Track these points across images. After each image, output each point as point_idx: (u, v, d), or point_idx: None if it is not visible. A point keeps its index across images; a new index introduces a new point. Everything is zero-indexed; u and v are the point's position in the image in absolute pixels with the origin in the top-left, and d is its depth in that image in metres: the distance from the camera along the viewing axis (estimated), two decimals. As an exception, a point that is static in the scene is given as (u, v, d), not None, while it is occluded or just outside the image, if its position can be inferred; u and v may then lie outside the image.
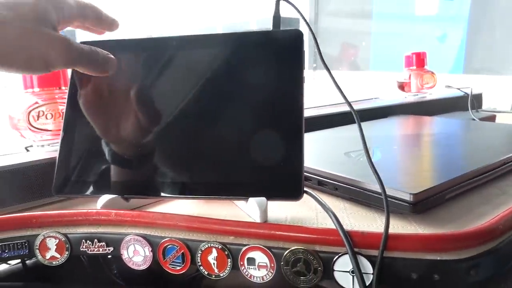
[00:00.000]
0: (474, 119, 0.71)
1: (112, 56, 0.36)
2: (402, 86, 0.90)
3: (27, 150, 0.48)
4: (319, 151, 0.50)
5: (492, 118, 0.77)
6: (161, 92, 0.39)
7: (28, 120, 0.43)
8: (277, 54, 0.37)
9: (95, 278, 0.42)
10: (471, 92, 0.82)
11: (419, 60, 0.88)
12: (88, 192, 0.38)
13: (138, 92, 0.39)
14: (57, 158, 0.39)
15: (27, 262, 0.43)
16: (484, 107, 0.96)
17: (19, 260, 0.43)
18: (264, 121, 0.37)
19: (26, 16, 0.29)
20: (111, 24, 0.38)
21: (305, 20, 0.41)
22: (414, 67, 0.88)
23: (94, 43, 0.37)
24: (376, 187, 0.36)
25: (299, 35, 0.37)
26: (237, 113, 0.37)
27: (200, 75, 0.38)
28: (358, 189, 0.37)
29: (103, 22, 0.37)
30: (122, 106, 0.39)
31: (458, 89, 0.87)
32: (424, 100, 0.86)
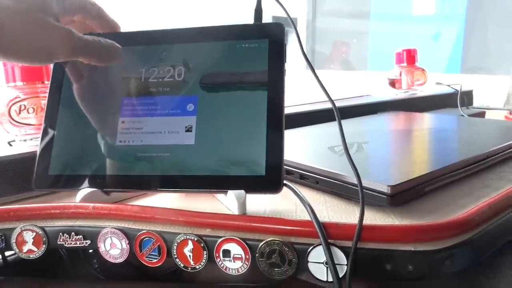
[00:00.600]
0: (462, 115, 0.71)
1: (117, 45, 0.36)
2: (393, 83, 0.90)
3: (10, 145, 0.48)
4: (303, 146, 0.50)
5: (481, 115, 0.77)
6: (143, 85, 0.39)
7: (10, 114, 0.43)
8: (258, 47, 0.37)
9: (77, 272, 0.42)
10: (461, 89, 0.82)
11: (410, 57, 0.88)
12: (68, 186, 0.38)
13: (119, 86, 0.39)
14: (37, 152, 0.39)
15: (8, 257, 0.43)
16: (476, 104, 0.97)
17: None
18: (244, 114, 0.36)
19: (30, 6, 0.30)
20: (113, 27, 0.38)
21: (289, 17, 0.41)
22: (405, 64, 0.88)
23: (95, 35, 0.37)
24: (353, 179, 0.36)
25: (280, 28, 0.37)
26: (217, 106, 0.37)
27: (182, 68, 0.38)
28: (338, 182, 0.37)
29: (104, 21, 0.38)
30: (107, 98, 0.39)
31: (448, 85, 0.87)
32: (415, 96, 0.86)
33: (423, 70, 0.88)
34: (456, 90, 0.85)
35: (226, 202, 0.36)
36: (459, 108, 0.76)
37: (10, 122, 0.43)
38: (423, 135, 0.54)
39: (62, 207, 0.35)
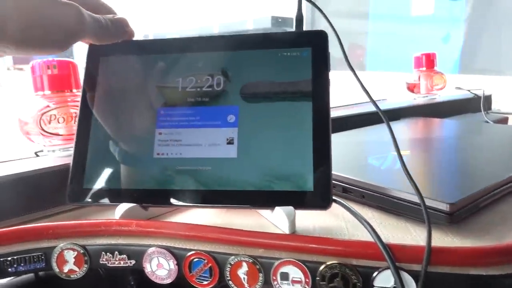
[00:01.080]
0: (487, 122, 0.70)
1: (123, 18, 0.35)
2: (411, 88, 0.89)
3: (37, 155, 0.46)
4: (340, 156, 0.49)
5: (504, 121, 0.76)
6: (180, 95, 0.37)
7: (40, 124, 0.41)
8: (300, 56, 0.36)
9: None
10: (483, 94, 0.81)
11: (429, 61, 0.86)
12: (104, 201, 0.36)
13: (154, 96, 0.37)
14: (71, 165, 0.37)
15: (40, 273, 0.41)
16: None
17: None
18: (288, 125, 0.35)
19: None
20: (108, 11, 0.36)
21: (328, 22, 0.39)
22: (424, 68, 0.87)
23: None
24: (407, 195, 0.34)
25: (323, 36, 0.36)
26: (259, 117, 0.36)
27: (221, 77, 0.37)
28: (387, 197, 0.36)
29: (100, 5, 0.35)
30: (142, 108, 0.38)
31: (469, 90, 0.86)
32: (434, 102, 0.85)
33: (442, 74, 0.87)
34: (476, 95, 0.84)
35: (273, 219, 0.35)
36: (482, 113, 0.75)
37: (40, 133, 0.41)
38: (460, 144, 0.53)
39: (104, 224, 0.34)
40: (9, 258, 0.32)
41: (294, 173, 0.34)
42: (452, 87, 0.89)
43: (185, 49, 0.38)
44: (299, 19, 0.39)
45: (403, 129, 0.64)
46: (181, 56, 0.38)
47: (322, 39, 0.36)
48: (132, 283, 0.40)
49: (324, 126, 0.34)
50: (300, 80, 0.35)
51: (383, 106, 0.82)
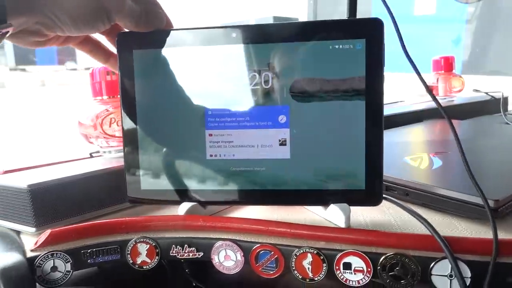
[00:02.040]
0: (508, 123, 0.73)
1: (159, 6, 0.35)
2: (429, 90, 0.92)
3: (92, 156, 0.49)
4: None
5: (522, 122, 0.79)
6: (231, 93, 0.36)
7: (102, 127, 0.44)
8: (354, 49, 0.34)
9: (174, 280, 0.43)
10: (503, 96, 0.84)
11: (447, 64, 0.89)
12: (163, 201, 0.38)
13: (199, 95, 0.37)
14: (124, 167, 0.38)
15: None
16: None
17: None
18: (340, 125, 0.35)
19: None
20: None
21: (392, 18, 0.38)
22: (442, 71, 0.90)
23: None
24: (452, 193, 0.37)
25: (379, 25, 0.34)
26: (310, 116, 0.35)
27: (268, 74, 0.35)
28: (432, 195, 0.39)
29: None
30: (188, 110, 0.37)
31: (486, 93, 0.89)
32: (453, 104, 0.87)
33: (460, 77, 0.90)
34: (493, 97, 0.87)
35: (326, 215, 0.38)
36: (502, 115, 0.78)
37: (103, 135, 0.44)
38: (489, 145, 0.56)
39: (172, 219, 0.36)
40: (88, 251, 0.35)
41: (347, 172, 0.35)
42: (470, 89, 0.92)
43: (226, 40, 0.36)
44: (353, 3, 0.37)
45: (429, 130, 0.67)
46: (222, 49, 0.36)
47: (378, 29, 0.33)
48: (187, 270, 0.42)
49: (377, 126, 0.34)
50: (353, 77, 0.34)
51: (403, 108, 0.84)
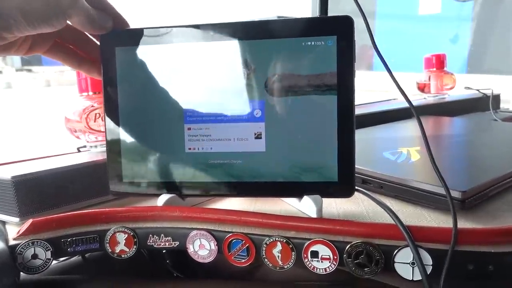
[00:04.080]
0: (496, 120, 0.73)
1: (108, 16, 0.36)
2: (421, 87, 0.93)
3: (79, 150, 0.51)
4: (358, 151, 0.52)
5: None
6: (209, 88, 0.37)
7: (87, 122, 0.45)
8: (325, 45, 0.35)
9: (154, 270, 0.45)
10: (492, 93, 0.84)
11: (439, 62, 0.90)
12: (144, 192, 0.40)
13: (184, 88, 0.37)
14: (107, 160, 0.39)
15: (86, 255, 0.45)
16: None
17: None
18: (313, 119, 0.36)
19: None
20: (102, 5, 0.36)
21: (363, 15, 0.39)
22: (434, 69, 0.90)
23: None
24: (423, 185, 0.38)
25: (349, 22, 0.35)
26: (284, 111, 0.37)
27: (244, 70, 0.36)
28: (404, 187, 0.39)
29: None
30: (165, 105, 0.38)
31: (478, 90, 0.89)
32: (444, 101, 0.88)
33: (451, 74, 0.90)
34: (485, 94, 0.87)
35: (300, 206, 0.39)
36: (491, 112, 0.78)
37: (88, 130, 0.46)
38: (471, 141, 0.56)
39: (150, 210, 0.38)
40: (68, 239, 0.36)
41: (320, 165, 0.37)
42: (461, 87, 0.92)
43: (203, 37, 0.37)
44: (324, 1, 0.37)
45: (416, 127, 0.68)
46: (200, 46, 0.37)
47: (348, 26, 0.35)
48: (168, 261, 0.44)
49: (349, 119, 0.35)
50: (325, 73, 0.35)
51: (395, 105, 0.85)
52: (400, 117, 0.75)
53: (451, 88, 0.90)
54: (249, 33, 0.36)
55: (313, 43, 0.35)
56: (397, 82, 0.38)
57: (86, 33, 0.38)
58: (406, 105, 0.83)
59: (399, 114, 0.76)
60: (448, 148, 0.53)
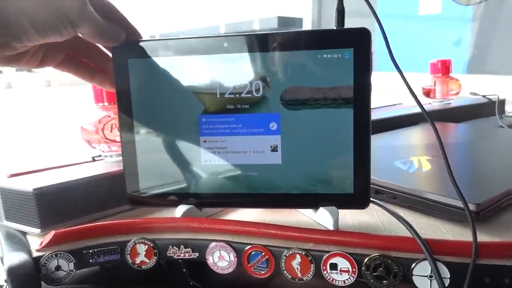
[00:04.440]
0: (503, 127, 0.74)
1: (120, 28, 0.36)
2: (427, 92, 0.93)
3: (94, 160, 0.51)
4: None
5: (518, 124, 0.80)
6: (219, 102, 0.38)
7: (103, 132, 0.46)
8: (342, 58, 0.35)
9: (172, 279, 0.45)
10: (498, 99, 0.85)
11: (445, 68, 0.90)
12: (162, 203, 0.41)
13: (193, 102, 0.38)
14: (124, 172, 0.40)
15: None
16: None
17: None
18: (329, 132, 0.36)
19: None
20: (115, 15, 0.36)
21: (376, 17, 0.38)
22: (440, 74, 0.91)
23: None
24: (438, 197, 0.39)
25: (367, 35, 0.35)
26: (300, 124, 0.37)
27: (259, 82, 0.37)
28: (418, 198, 0.40)
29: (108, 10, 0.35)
30: (182, 116, 0.38)
31: (484, 96, 0.90)
32: (450, 106, 0.89)
33: (457, 80, 0.91)
34: (490, 100, 0.88)
35: (316, 217, 0.39)
36: (497, 118, 0.79)
37: (104, 140, 0.46)
38: (480, 149, 0.57)
39: (169, 221, 0.38)
40: (90, 251, 0.37)
41: (336, 177, 0.37)
42: (467, 91, 0.93)
43: (218, 49, 0.37)
44: (340, 10, 0.37)
45: (424, 133, 0.68)
46: (215, 58, 0.37)
47: (365, 38, 0.35)
48: (184, 270, 0.44)
49: (365, 132, 0.36)
50: (341, 86, 0.35)
51: (401, 111, 0.86)
52: (405, 123, 0.76)
53: (456, 94, 0.91)
54: (264, 45, 0.36)
55: (329, 55, 0.35)
56: (410, 88, 0.38)
57: (98, 45, 0.38)
58: (413, 111, 0.84)
59: (405, 120, 0.77)
60: (458, 157, 0.54)
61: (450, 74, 0.91)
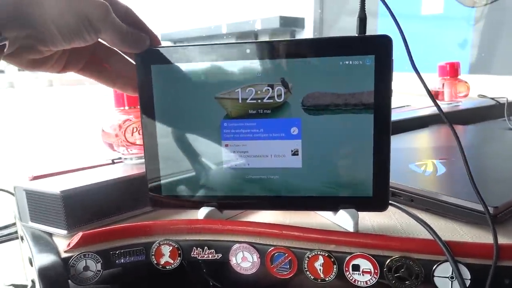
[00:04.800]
0: (511, 129, 0.75)
1: (144, 35, 0.37)
2: (435, 95, 0.94)
3: (113, 162, 0.52)
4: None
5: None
6: (241, 107, 0.38)
7: (125, 135, 0.47)
8: (363, 64, 0.36)
9: (192, 279, 0.46)
10: (507, 101, 0.86)
11: (453, 70, 0.91)
12: (184, 206, 0.41)
13: (215, 107, 0.38)
14: (146, 174, 0.41)
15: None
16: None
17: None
18: (349, 137, 0.37)
19: None
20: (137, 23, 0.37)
21: (395, 21, 0.38)
22: (448, 77, 0.92)
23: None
24: (455, 200, 0.40)
25: (388, 42, 0.35)
26: (321, 129, 0.37)
27: (281, 88, 0.37)
28: (436, 201, 0.41)
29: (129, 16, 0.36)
30: (202, 122, 0.39)
31: (492, 98, 0.90)
32: (458, 109, 0.89)
33: (465, 82, 0.91)
34: (498, 102, 0.88)
35: (335, 219, 0.40)
36: (507, 120, 0.80)
37: (125, 143, 0.47)
38: (492, 151, 0.58)
39: (193, 222, 0.39)
40: (117, 252, 0.38)
41: (355, 180, 0.38)
42: (476, 91, 0.94)
43: (240, 55, 0.37)
44: (362, 18, 0.37)
45: (434, 136, 0.69)
46: (237, 64, 0.38)
47: (387, 45, 0.35)
48: (204, 270, 0.45)
49: (385, 137, 0.36)
50: (362, 92, 0.36)
51: (409, 113, 0.86)
52: (415, 126, 0.76)
53: (465, 96, 0.92)
54: (287, 51, 0.37)
55: (351, 62, 0.36)
56: (429, 91, 0.39)
57: (119, 51, 0.39)
58: (421, 113, 0.84)
59: (415, 122, 0.78)
60: (470, 160, 0.55)
61: (459, 77, 0.92)
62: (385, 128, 0.37)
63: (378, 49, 0.35)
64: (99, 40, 0.35)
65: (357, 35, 0.37)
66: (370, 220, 0.41)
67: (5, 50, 0.29)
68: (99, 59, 0.39)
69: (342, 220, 0.39)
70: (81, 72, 0.38)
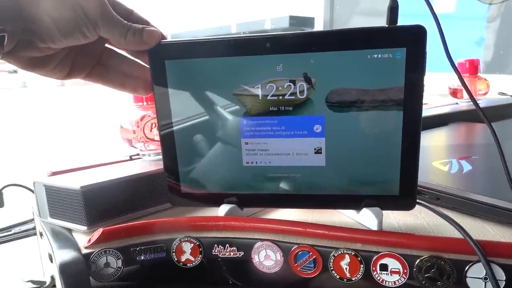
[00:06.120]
0: (534, 127, 0.72)
1: (152, 29, 0.35)
2: (454, 93, 0.92)
3: (131, 158, 0.52)
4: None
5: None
6: (261, 104, 0.37)
7: (144, 131, 0.46)
8: (393, 58, 0.33)
9: (213, 277, 0.46)
10: (529, 100, 0.84)
11: (472, 67, 0.89)
12: (203, 203, 0.41)
13: (234, 104, 0.37)
14: (165, 172, 0.40)
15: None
16: None
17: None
18: (376, 135, 0.35)
19: None
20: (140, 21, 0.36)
21: (434, 15, 0.36)
22: (467, 74, 0.90)
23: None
24: (484, 198, 0.38)
25: (422, 33, 0.32)
26: (346, 126, 0.36)
27: (303, 84, 0.35)
28: (463, 199, 0.40)
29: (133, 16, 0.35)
30: (221, 119, 0.38)
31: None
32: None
33: (485, 79, 0.89)
34: (519, 100, 0.86)
35: (359, 218, 0.39)
36: (529, 119, 0.78)
37: (144, 139, 0.47)
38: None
39: (214, 219, 0.39)
40: (137, 249, 0.37)
41: (381, 179, 0.36)
42: (495, 92, 0.92)
43: (260, 50, 0.35)
44: (394, 7, 0.33)
45: (455, 134, 0.68)
46: (256, 59, 0.36)
47: (420, 37, 0.32)
48: (224, 268, 0.45)
49: (415, 135, 0.34)
50: (391, 87, 0.34)
51: (428, 111, 0.85)
52: (435, 124, 0.75)
53: (484, 94, 0.90)
54: (309, 45, 0.34)
55: (379, 55, 0.33)
56: (467, 87, 0.38)
57: (124, 51, 0.38)
58: (441, 111, 0.83)
59: (435, 120, 0.76)
60: (494, 158, 0.53)
61: (478, 74, 0.90)
62: (415, 126, 0.35)
63: (411, 41, 0.33)
64: (107, 45, 0.35)
65: (387, 25, 0.34)
66: (395, 219, 0.40)
67: (4, 43, 0.29)
68: (106, 64, 0.38)
69: (365, 218, 0.38)
70: (87, 78, 0.37)
